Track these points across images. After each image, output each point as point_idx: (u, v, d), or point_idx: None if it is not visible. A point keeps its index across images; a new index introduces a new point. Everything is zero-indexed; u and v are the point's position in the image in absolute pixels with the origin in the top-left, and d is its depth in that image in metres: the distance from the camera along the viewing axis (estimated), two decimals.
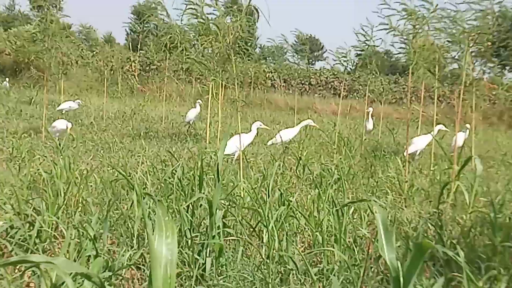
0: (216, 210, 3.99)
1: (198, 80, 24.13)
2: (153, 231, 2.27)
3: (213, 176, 6.23)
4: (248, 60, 25.01)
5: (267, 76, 29.73)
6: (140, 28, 17.95)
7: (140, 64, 27.20)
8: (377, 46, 11.49)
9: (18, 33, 25.43)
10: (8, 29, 28.58)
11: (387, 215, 5.40)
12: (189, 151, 9.67)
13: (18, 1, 46.68)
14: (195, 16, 7.20)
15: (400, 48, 8.90)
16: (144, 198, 4.60)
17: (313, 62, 46.71)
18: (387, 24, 8.30)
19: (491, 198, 4.88)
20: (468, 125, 11.28)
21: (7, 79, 13.91)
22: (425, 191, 7.16)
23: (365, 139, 13.39)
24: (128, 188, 5.73)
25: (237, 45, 7.92)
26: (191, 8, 6.88)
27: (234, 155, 8.68)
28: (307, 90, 30.58)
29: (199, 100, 14.21)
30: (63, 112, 14.36)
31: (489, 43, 7.48)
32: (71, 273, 2.49)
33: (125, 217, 4.76)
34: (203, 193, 4.74)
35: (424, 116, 12.88)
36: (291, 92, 28.67)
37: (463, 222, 5.26)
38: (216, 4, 6.97)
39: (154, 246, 2.21)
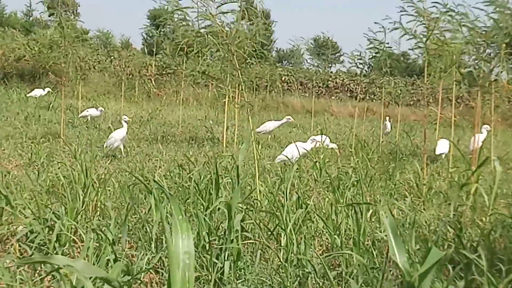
0: (234, 213, 3.99)
1: (215, 84, 24.20)
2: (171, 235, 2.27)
3: (230, 180, 6.24)
4: (265, 63, 25.02)
5: (283, 79, 29.72)
6: (156, 32, 18.03)
7: (157, 68, 27.33)
8: (391, 48, 11.45)
9: (37, 39, 25.67)
10: (26, 35, 28.86)
11: (406, 218, 5.37)
12: (206, 155, 9.69)
13: (35, 7, 47.10)
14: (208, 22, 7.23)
15: (416, 49, 8.85)
16: (162, 202, 4.62)
17: (330, 65, 46.69)
18: (400, 27, 8.28)
19: (511, 200, 4.83)
20: (487, 126, 11.17)
21: (44, 89, 14.11)
22: (444, 193, 7.10)
23: (382, 142, 13.34)
24: (146, 192, 5.75)
25: (248, 49, 7.94)
26: (205, 14, 6.90)
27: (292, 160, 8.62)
28: (324, 92, 30.51)
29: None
30: (87, 120, 14.44)
31: (506, 44, 7.43)
32: (91, 277, 2.51)
33: (143, 221, 4.78)
34: (221, 196, 4.75)
35: (441, 118, 12.80)
36: (307, 95, 28.63)
37: (482, 224, 5.21)
38: (214, 15, 6.95)
39: (172, 250, 2.21)
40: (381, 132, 14.59)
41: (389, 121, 14.95)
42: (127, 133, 10.09)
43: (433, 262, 2.49)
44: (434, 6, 7.72)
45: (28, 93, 17.95)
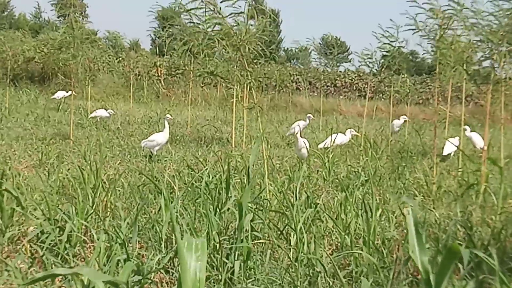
0: (244, 213, 3.99)
1: (223, 84, 24.23)
2: (182, 235, 2.28)
3: (239, 180, 6.24)
4: (272, 63, 25.02)
5: (291, 78, 29.72)
6: (164, 33, 18.12)
7: (166, 68, 27.39)
8: (403, 47, 11.42)
9: (46, 40, 25.77)
10: (35, 37, 28.98)
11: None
12: (216, 155, 9.70)
13: (44, 8, 47.25)
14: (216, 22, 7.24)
15: (429, 47, 8.81)
16: (171, 202, 4.63)
17: (338, 64, 46.64)
18: (413, 24, 8.25)
19: None
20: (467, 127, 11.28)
21: (69, 91, 14.14)
22: (454, 192, 7.08)
23: (391, 141, 13.31)
24: (156, 192, 5.77)
25: (256, 49, 7.94)
26: (213, 16, 6.91)
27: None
28: (332, 92, 30.48)
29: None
30: (96, 120, 14.47)
31: None
32: None
33: (153, 221, 4.79)
34: (230, 196, 4.76)
35: (451, 116, 12.75)
36: (316, 94, 28.61)
37: (492, 223, 5.18)
38: (223, 17, 6.95)
39: (183, 250, 2.22)
40: (389, 131, 14.55)
41: (403, 119, 14.73)
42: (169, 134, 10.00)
43: (451, 261, 2.47)
44: (448, 4, 7.69)
45: (52, 95, 17.97)
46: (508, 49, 7.52)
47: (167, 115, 10.33)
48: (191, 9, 7.40)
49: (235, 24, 7.22)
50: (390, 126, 14.99)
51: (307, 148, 8.89)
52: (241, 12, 7.09)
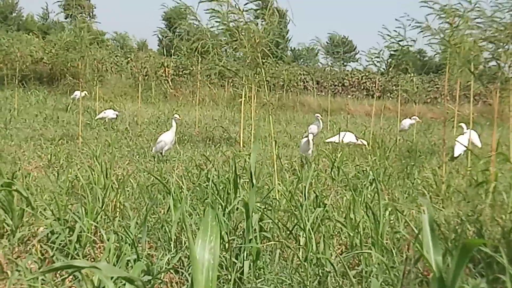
0: (252, 213, 3.99)
1: (231, 84, 24.24)
2: (193, 235, 2.29)
3: (248, 180, 6.25)
4: (280, 62, 25.00)
5: (299, 78, 29.71)
6: (172, 33, 18.17)
7: (173, 69, 27.44)
8: (411, 46, 11.39)
9: (54, 41, 25.89)
10: (43, 38, 29.11)
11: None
12: (224, 155, 9.71)
13: (51, 9, 47.49)
14: (222, 23, 7.26)
15: (439, 46, 8.78)
16: (180, 202, 4.63)
17: (345, 63, 46.59)
18: (422, 23, 8.23)
19: None
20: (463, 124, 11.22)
21: (81, 92, 14.12)
22: (463, 191, 7.05)
23: (399, 140, 13.28)
24: (165, 192, 5.78)
25: (267, 48, 7.95)
26: (217, 16, 6.94)
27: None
28: (340, 91, 30.47)
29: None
30: (105, 121, 14.51)
31: None
32: (112, 277, 2.53)
33: (162, 221, 4.80)
34: (239, 196, 4.76)
35: (459, 115, 12.70)
36: (323, 94, 28.59)
37: (503, 222, 5.16)
38: (242, 11, 6.96)
39: (195, 250, 2.23)
40: (398, 129, 14.53)
41: (414, 119, 14.72)
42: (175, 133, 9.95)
43: (465, 258, 2.46)
44: (459, 3, 7.67)
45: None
46: None
47: (175, 115, 10.33)
48: (209, 10, 7.43)
49: (249, 22, 7.24)
50: (398, 125, 14.97)
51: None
52: (261, 8, 7.11)
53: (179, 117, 10.69)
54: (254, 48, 7.17)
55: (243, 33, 7.35)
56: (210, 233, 2.23)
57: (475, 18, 7.47)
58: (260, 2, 8.13)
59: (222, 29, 7.95)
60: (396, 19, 9.92)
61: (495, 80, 7.85)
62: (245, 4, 6.93)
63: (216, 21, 7.74)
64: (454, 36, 7.99)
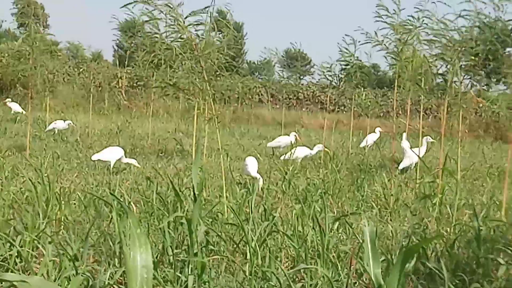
0: (196, 226, 3.94)
1: (186, 96, 24.11)
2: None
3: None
4: (235, 75, 25.04)
5: (254, 91, 29.81)
6: (128, 44, 17.98)
7: (128, 80, 27.17)
8: (361, 61, 11.55)
9: (4, 50, 25.33)
10: None
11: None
12: (175, 168, 9.63)
13: (3, 18, 46.55)
14: (178, 33, 7.20)
15: (390, 59, 8.94)
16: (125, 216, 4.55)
17: (301, 77, 47.04)
18: (373, 38, 8.36)
19: (474, 210, 4.88)
20: (428, 138, 11.45)
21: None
22: (411, 204, 7.15)
23: (351, 153, 13.42)
24: (111, 205, 5.67)
25: (222, 61, 7.93)
26: (174, 26, 6.88)
27: None
28: (295, 104, 30.66)
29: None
30: (54, 132, 14.25)
31: (476, 56, 7.53)
32: None
33: (107, 235, 4.71)
34: (184, 210, 4.72)
35: (410, 129, 12.92)
36: (278, 107, 28.74)
37: (447, 235, 5.25)
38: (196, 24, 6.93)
39: (129, 264, 2.18)
40: (350, 144, 14.66)
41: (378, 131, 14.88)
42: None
43: (401, 266, 2.49)
44: (408, 19, 7.82)
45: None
46: (464, 64, 7.67)
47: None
48: (150, 20, 7.35)
49: (197, 36, 7.19)
50: (351, 138, 15.13)
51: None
52: (201, 23, 7.06)
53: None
54: (199, 62, 7.14)
55: (198, 45, 7.31)
56: (139, 244, 2.18)
57: (425, 34, 7.65)
58: (216, 14, 8.13)
59: (177, 40, 7.90)
60: (346, 35, 10.09)
61: (444, 95, 8.02)
62: (186, 17, 6.89)
63: (172, 33, 7.69)
64: (404, 51, 8.15)
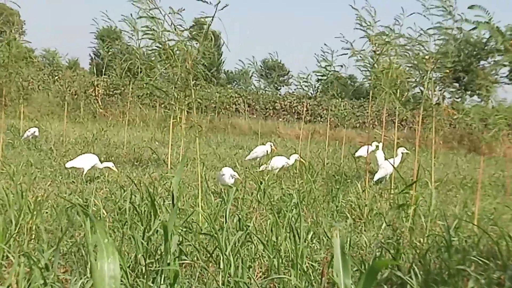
0: (171, 236, 3.92)
1: (162, 105, 24.04)
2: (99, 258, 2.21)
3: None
4: (212, 85, 25.01)
5: (232, 100, 29.82)
6: (104, 52, 17.89)
7: (104, 88, 26.99)
8: (338, 72, 11.63)
9: None
10: None
11: (346, 239, 5.39)
12: (150, 177, 9.57)
13: None
14: (154, 41, 7.19)
15: (364, 71, 9.02)
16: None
17: (279, 87, 47.20)
18: (349, 49, 8.44)
19: (446, 221, 4.92)
20: (403, 149, 11.52)
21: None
22: (385, 215, 7.19)
23: (327, 163, 13.47)
24: (83, 215, 5.61)
25: (198, 70, 7.92)
26: (149, 33, 6.87)
27: None
28: (271, 114, 30.73)
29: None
30: (29, 140, 14.06)
31: (450, 69, 7.63)
32: None
33: (79, 244, 4.66)
34: (160, 219, 4.68)
35: (386, 140, 13.03)
36: (255, 116, 28.78)
37: (420, 245, 5.28)
38: (175, 29, 6.92)
39: (96, 273, 2.16)
40: (326, 154, 14.70)
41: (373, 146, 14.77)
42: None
43: (371, 279, 2.49)
44: (383, 31, 7.91)
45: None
46: (439, 76, 7.77)
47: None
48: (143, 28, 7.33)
49: (176, 45, 7.19)
50: (327, 148, 15.17)
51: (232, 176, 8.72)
52: (183, 30, 7.06)
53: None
54: (186, 69, 7.12)
55: (176, 53, 7.29)
56: (107, 254, 2.16)
57: (402, 45, 7.74)
58: (194, 23, 8.12)
59: (154, 48, 7.88)
60: (325, 44, 10.17)
61: (418, 106, 8.10)
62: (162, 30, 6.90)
63: (150, 39, 7.67)
64: (379, 62, 8.23)
